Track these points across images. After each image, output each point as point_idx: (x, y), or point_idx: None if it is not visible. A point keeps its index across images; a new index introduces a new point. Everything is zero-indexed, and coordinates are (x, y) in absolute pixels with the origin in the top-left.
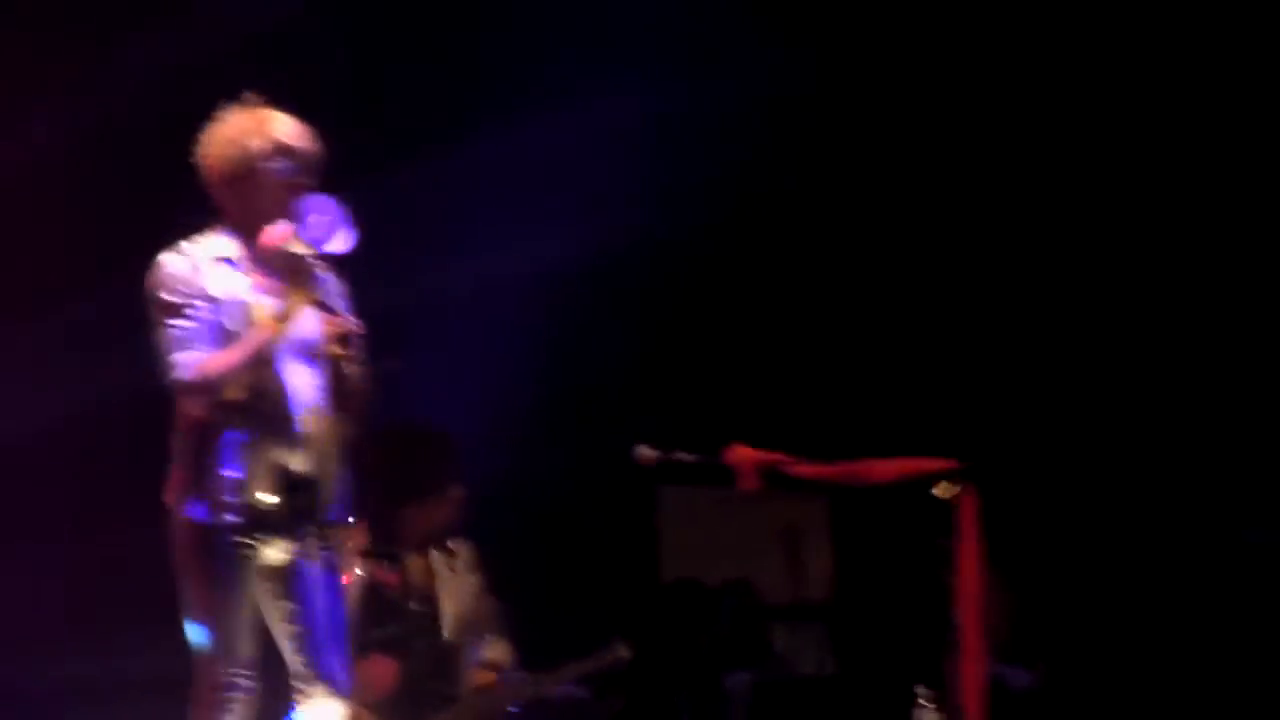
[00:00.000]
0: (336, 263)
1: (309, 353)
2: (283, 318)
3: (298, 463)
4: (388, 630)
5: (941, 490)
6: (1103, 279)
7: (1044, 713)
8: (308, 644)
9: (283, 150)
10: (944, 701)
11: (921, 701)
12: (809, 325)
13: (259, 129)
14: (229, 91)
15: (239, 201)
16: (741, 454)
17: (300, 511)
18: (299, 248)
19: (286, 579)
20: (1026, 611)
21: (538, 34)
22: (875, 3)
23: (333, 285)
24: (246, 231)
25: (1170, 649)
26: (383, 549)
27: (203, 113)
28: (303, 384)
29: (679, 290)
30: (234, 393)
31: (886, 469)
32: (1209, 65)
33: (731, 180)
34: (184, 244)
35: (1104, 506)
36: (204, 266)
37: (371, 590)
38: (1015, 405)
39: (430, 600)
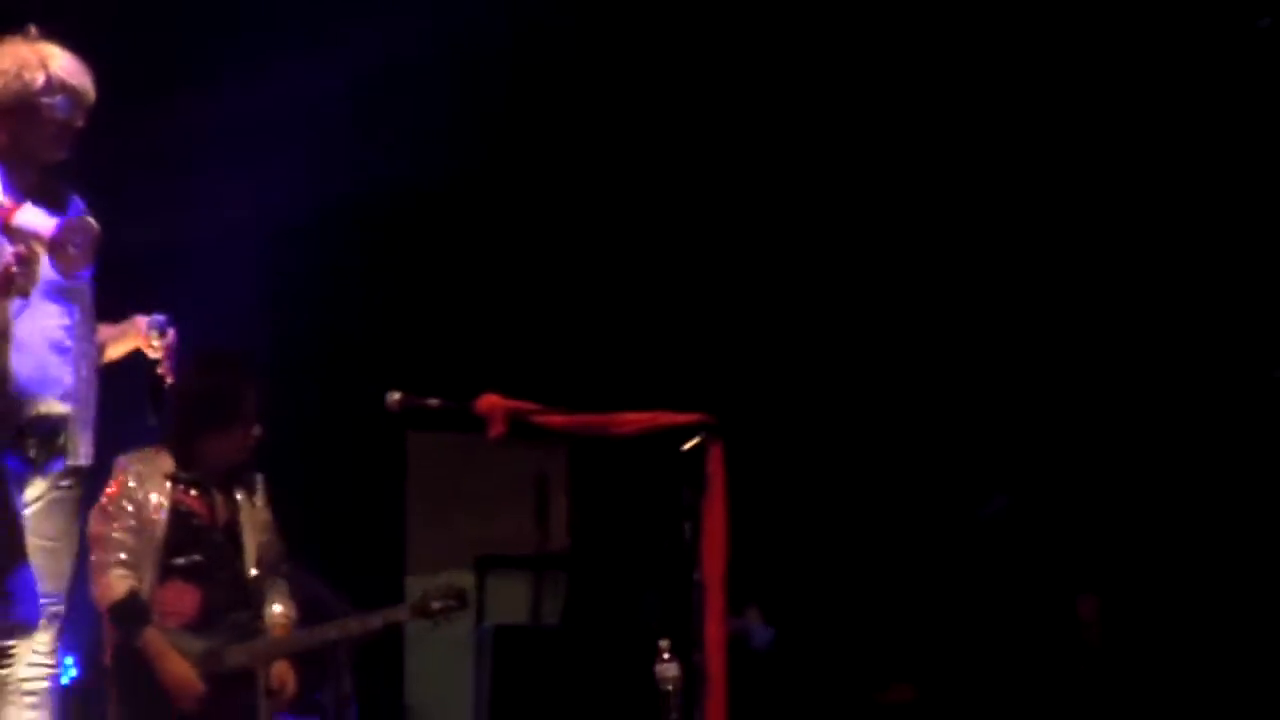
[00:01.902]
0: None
1: (55, 293)
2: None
3: (53, 398)
4: (192, 558)
5: (689, 444)
6: (846, 242)
7: (784, 668)
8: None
9: (62, 88)
10: (686, 655)
11: (664, 654)
12: (560, 275)
13: (40, 63)
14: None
15: (8, 132)
16: (490, 401)
17: (42, 454)
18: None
19: (37, 516)
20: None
21: None
22: None
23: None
24: (11, 160)
25: (907, 608)
26: (190, 476)
27: None
28: (49, 325)
29: (429, 237)
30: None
31: (634, 421)
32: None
33: (479, 126)
34: None
35: (845, 466)
36: None
37: (177, 516)
38: (762, 360)
39: (234, 532)
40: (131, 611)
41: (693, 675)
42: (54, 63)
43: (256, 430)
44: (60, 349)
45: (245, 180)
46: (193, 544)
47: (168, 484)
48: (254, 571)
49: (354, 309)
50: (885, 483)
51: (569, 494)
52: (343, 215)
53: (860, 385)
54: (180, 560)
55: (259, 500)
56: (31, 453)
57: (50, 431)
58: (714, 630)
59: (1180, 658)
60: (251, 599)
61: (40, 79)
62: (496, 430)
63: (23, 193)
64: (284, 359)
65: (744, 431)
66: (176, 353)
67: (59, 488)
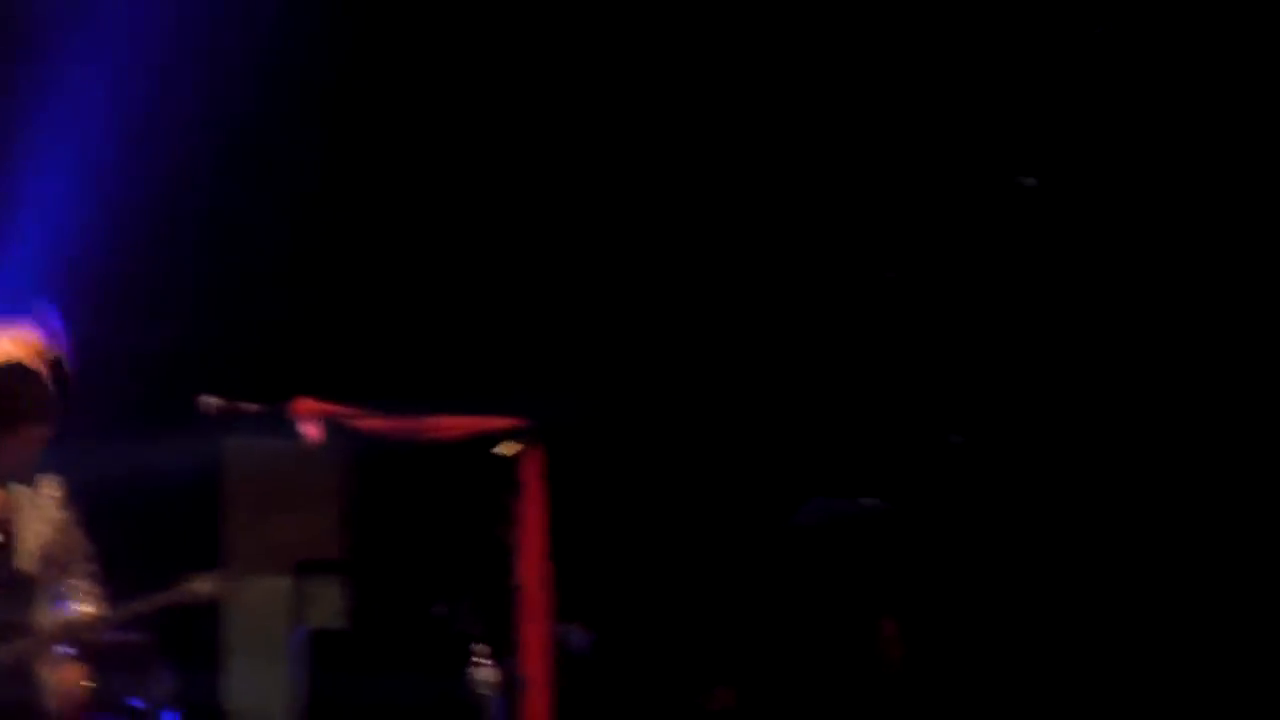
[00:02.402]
0: None
1: None
2: None
3: None
4: None
5: (506, 448)
6: (675, 240)
7: (601, 672)
8: None
9: None
10: (501, 658)
11: (478, 659)
12: (381, 278)
13: None
14: None
15: None
16: (306, 405)
17: None
18: None
19: None
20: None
21: None
22: None
23: None
24: None
25: (729, 613)
26: None
27: None
28: None
29: (251, 238)
30: None
31: (452, 425)
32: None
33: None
34: None
35: (668, 470)
36: None
37: None
38: (582, 365)
39: (7, 529)
40: None
41: (511, 680)
42: None
43: (39, 430)
44: None
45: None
46: None
47: None
48: (31, 569)
49: (179, 312)
50: (708, 486)
51: (346, 497)
52: (166, 221)
53: (680, 389)
54: None
55: (44, 500)
56: None
57: None
58: (534, 634)
59: (980, 681)
60: (22, 597)
61: None
62: (312, 434)
63: None
64: (102, 363)
65: (563, 436)
66: None
67: None
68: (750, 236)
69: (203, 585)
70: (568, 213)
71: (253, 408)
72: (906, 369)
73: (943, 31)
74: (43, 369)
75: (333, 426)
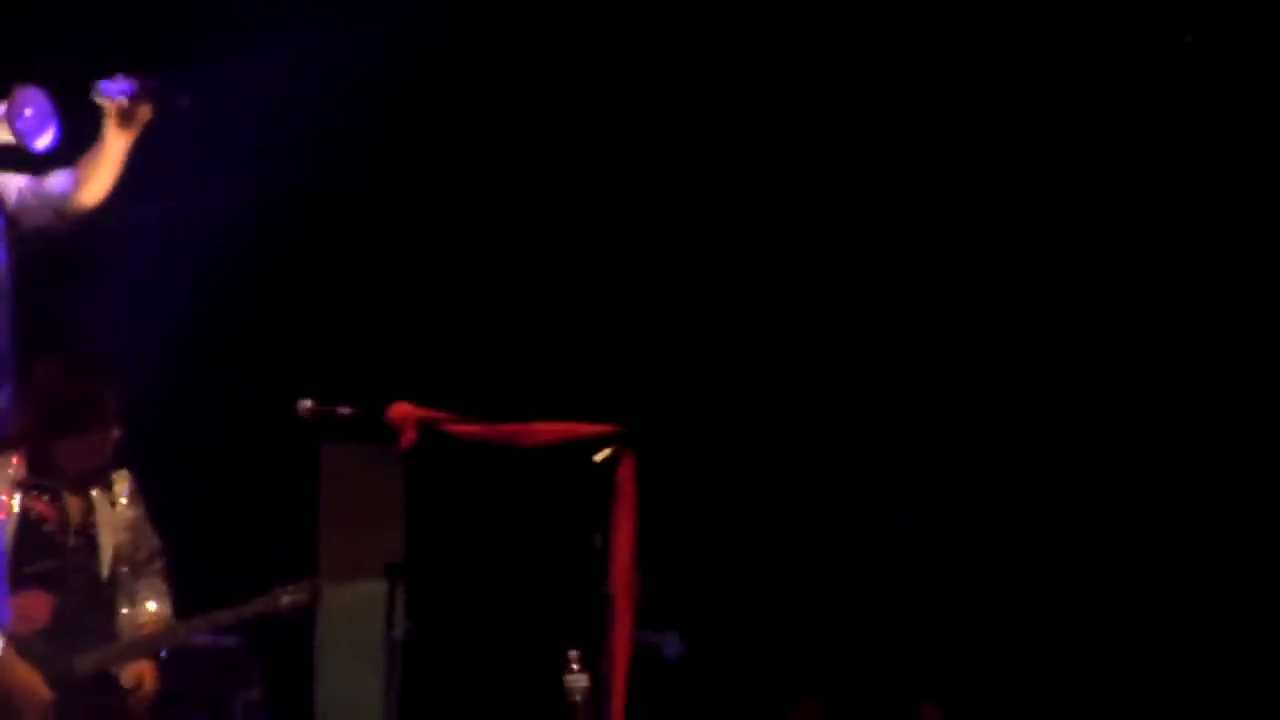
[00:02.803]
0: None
1: None
2: None
3: None
4: (42, 565)
5: (599, 454)
6: (770, 251)
7: (695, 680)
8: None
9: None
10: (594, 666)
11: (572, 665)
12: (476, 284)
13: None
14: None
15: None
16: (402, 411)
17: None
18: (5, 135)
19: None
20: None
21: None
22: None
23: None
24: None
25: (817, 621)
26: (41, 482)
27: None
28: None
29: (348, 242)
30: None
31: (546, 431)
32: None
33: (401, 131)
34: None
35: (760, 479)
36: None
37: (27, 524)
38: (677, 372)
39: (89, 536)
40: None
41: (601, 687)
42: None
43: (116, 433)
44: None
45: (172, 177)
46: (44, 551)
47: (17, 491)
48: (107, 574)
49: (269, 314)
50: (799, 496)
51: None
52: (260, 219)
53: (776, 394)
54: (30, 568)
55: (121, 498)
56: None
57: None
58: (620, 642)
59: None
60: (105, 604)
61: None
62: (408, 439)
63: None
64: (198, 365)
65: (657, 443)
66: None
67: None
68: (844, 244)
69: (297, 595)
70: (659, 218)
71: (348, 412)
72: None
73: (1018, 48)
74: (107, 373)
75: (430, 432)
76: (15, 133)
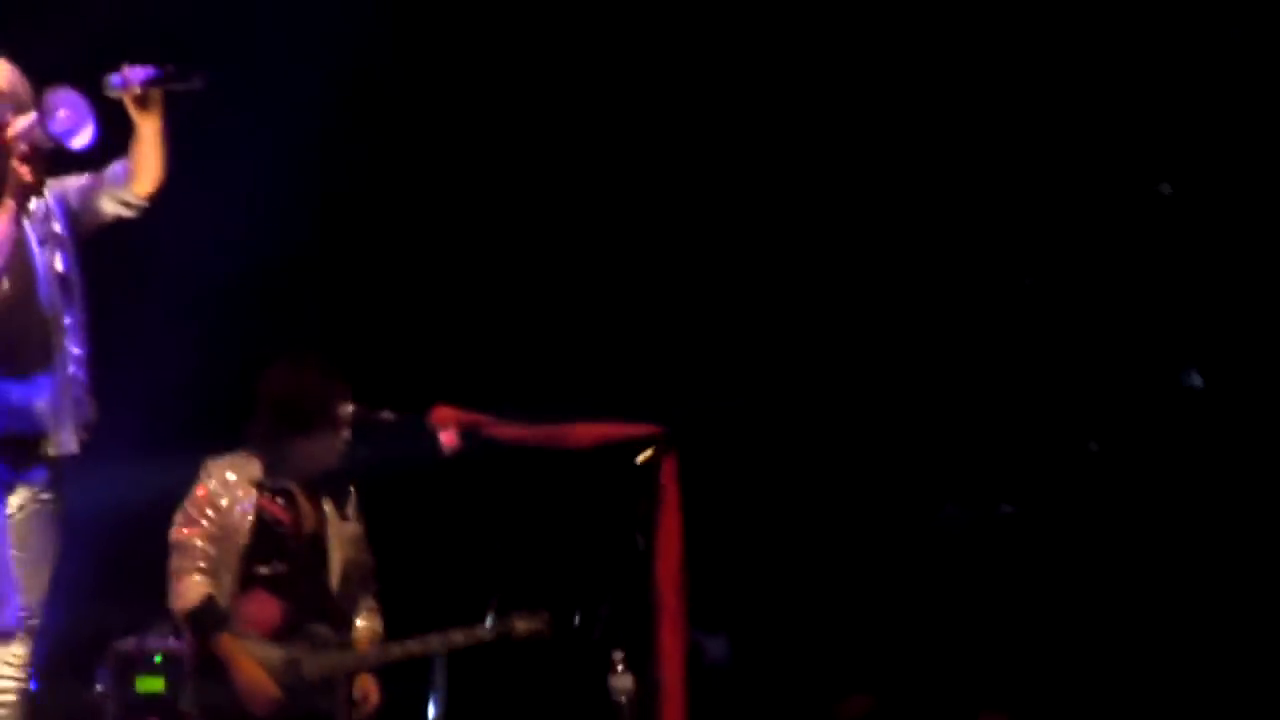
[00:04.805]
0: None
1: (52, 243)
2: (17, 204)
3: (37, 394)
4: (275, 567)
5: (642, 455)
6: (813, 245)
7: (740, 681)
8: (21, 593)
9: None
10: (641, 666)
11: (618, 666)
12: (513, 286)
13: None
14: None
15: None
16: (444, 414)
17: (32, 454)
18: (43, 138)
19: (19, 525)
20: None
21: None
22: None
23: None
24: None
25: (863, 620)
26: (276, 484)
27: None
28: (51, 280)
29: (383, 244)
30: None
31: (588, 433)
32: None
33: (422, 129)
34: None
35: (804, 477)
36: None
37: (262, 525)
38: (719, 372)
39: (319, 543)
40: (207, 618)
41: (647, 687)
42: None
43: (345, 434)
44: (41, 324)
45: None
46: (276, 553)
47: (254, 491)
48: (337, 585)
49: (304, 318)
50: (842, 492)
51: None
52: (290, 224)
53: (815, 393)
54: (263, 569)
55: (349, 513)
56: (11, 457)
57: (29, 436)
58: (669, 641)
59: None
60: (333, 612)
61: None
62: (449, 442)
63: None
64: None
65: (699, 442)
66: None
67: (40, 500)
68: (890, 239)
69: (532, 623)
70: (698, 214)
71: (390, 416)
72: (1043, 374)
73: (1077, 34)
74: (334, 375)
75: (471, 434)
76: (52, 136)
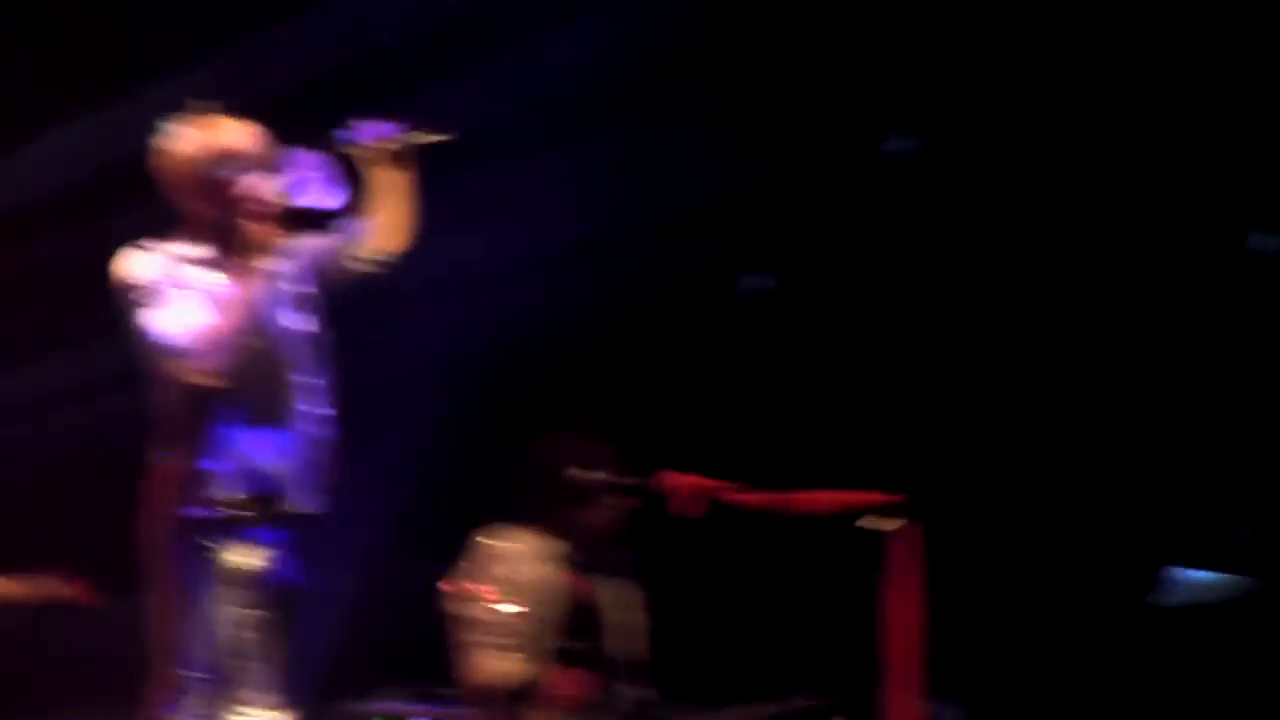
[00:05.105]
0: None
1: (295, 302)
2: (262, 264)
3: (273, 454)
4: (579, 641)
5: (879, 523)
6: (1040, 316)
7: None
8: (260, 656)
9: (236, 156)
10: None
11: None
12: (750, 350)
13: (208, 137)
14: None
15: (201, 209)
16: (676, 480)
17: (267, 513)
18: (288, 199)
19: (246, 584)
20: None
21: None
22: None
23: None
24: (213, 237)
25: (1101, 691)
26: (575, 556)
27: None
28: (293, 339)
29: (618, 307)
30: (231, 358)
31: (824, 500)
32: None
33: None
34: (149, 242)
35: (1041, 544)
36: (174, 264)
37: (564, 598)
38: (958, 439)
39: (619, 615)
40: (513, 694)
41: None
42: (219, 135)
43: (627, 503)
44: (283, 383)
45: (452, 233)
46: (580, 627)
47: (552, 564)
48: (635, 654)
49: (543, 380)
50: (1082, 563)
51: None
52: (539, 279)
53: (1054, 464)
54: (568, 643)
55: (629, 579)
56: (249, 517)
57: (268, 494)
58: (906, 711)
59: None
60: (640, 681)
61: (205, 154)
62: (679, 508)
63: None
64: (480, 425)
65: (939, 511)
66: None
67: (275, 560)
68: (1127, 304)
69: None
70: (937, 290)
71: (619, 480)
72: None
73: None
74: (609, 444)
75: (703, 501)
76: (296, 196)
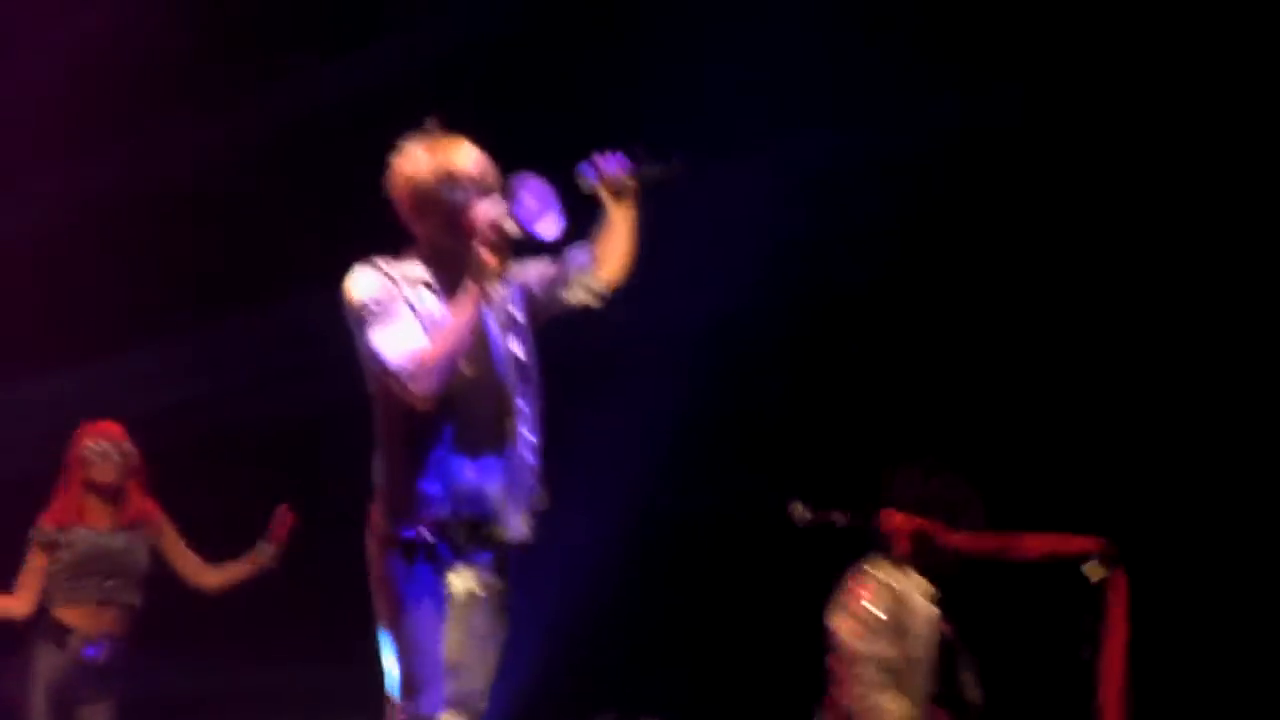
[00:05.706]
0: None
1: (511, 329)
2: (482, 289)
3: (489, 478)
4: (950, 687)
5: (1091, 570)
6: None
7: None
8: (467, 678)
9: (460, 179)
10: None
11: None
12: (969, 391)
13: (435, 159)
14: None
15: (425, 230)
16: (895, 519)
17: (479, 536)
18: (510, 226)
19: (464, 609)
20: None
21: (719, 78)
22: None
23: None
24: (436, 259)
25: None
26: (941, 596)
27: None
28: (510, 365)
29: (840, 345)
30: (450, 381)
31: (1039, 544)
32: None
33: (898, 232)
34: (379, 260)
35: (1255, 588)
36: (403, 285)
37: (940, 641)
38: (1173, 486)
39: (957, 655)
40: None
41: None
42: (449, 156)
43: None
44: (496, 408)
45: (673, 280)
46: (948, 669)
47: (930, 604)
48: (980, 696)
49: (768, 415)
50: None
51: None
52: (765, 321)
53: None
54: (943, 687)
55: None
56: (460, 540)
57: (477, 519)
58: None
59: None
60: None
61: (435, 175)
62: (900, 549)
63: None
64: (701, 461)
65: (1149, 557)
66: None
67: (485, 585)
68: None
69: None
70: (1158, 334)
71: (842, 519)
72: None
73: None
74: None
75: (921, 541)
76: (519, 223)
